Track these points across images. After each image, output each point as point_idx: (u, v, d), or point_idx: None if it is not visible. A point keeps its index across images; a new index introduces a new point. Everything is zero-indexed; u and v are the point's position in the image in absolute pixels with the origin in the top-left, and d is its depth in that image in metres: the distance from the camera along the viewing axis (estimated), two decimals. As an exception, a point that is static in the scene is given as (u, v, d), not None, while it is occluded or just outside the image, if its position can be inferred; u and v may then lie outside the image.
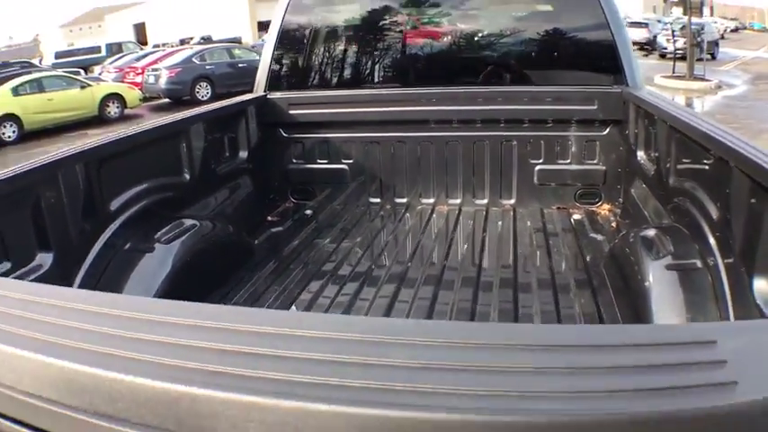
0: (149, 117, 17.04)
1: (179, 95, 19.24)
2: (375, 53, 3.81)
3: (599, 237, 3.00)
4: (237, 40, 34.43)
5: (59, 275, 2.17)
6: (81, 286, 2.15)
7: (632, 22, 28.30)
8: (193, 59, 20.18)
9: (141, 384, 0.94)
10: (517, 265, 2.74)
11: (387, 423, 0.84)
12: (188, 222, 2.63)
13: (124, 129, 3.01)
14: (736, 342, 0.94)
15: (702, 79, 17.34)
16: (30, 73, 19.27)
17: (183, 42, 37.49)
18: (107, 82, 20.19)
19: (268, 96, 3.87)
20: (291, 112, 3.82)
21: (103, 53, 33.61)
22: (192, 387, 0.91)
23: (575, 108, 3.16)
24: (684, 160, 2.37)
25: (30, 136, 15.55)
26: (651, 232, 2.18)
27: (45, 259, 2.18)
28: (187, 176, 3.11)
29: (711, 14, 49.12)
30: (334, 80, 3.98)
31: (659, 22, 32.33)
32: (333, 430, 0.86)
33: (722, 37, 35.05)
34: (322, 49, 3.92)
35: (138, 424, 0.95)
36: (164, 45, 35.11)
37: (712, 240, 1.90)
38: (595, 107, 3.08)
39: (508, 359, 0.93)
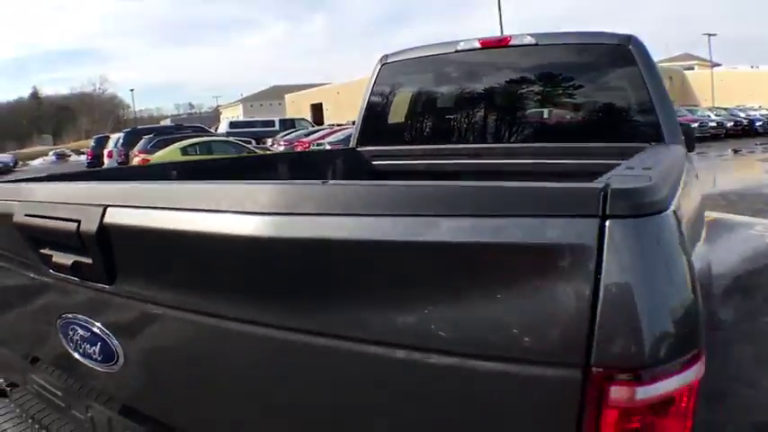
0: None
1: (335, 167, 20.79)
2: (449, 115, 4.32)
3: None
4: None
5: None
6: None
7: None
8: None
9: None
10: None
11: None
12: None
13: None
14: None
15: None
16: (200, 136, 21.83)
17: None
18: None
19: (357, 149, 4.53)
20: (375, 162, 4.42)
21: (277, 127, 37.21)
22: None
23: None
24: None
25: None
26: None
27: None
28: None
29: None
30: (415, 136, 4.54)
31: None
32: None
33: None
34: (404, 111, 4.52)
35: None
36: (339, 125, 37.91)
37: None
38: None
39: None
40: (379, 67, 4.14)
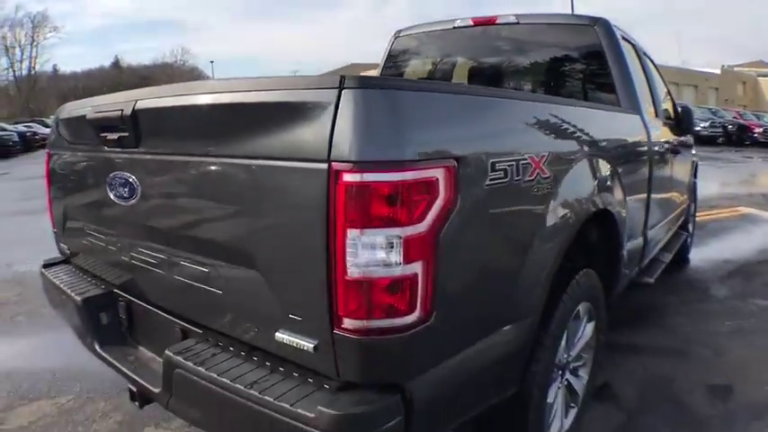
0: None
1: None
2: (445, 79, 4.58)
3: None
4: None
5: None
6: None
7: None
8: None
9: None
10: None
11: None
12: None
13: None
14: None
15: None
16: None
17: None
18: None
19: None
20: None
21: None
22: None
23: None
24: None
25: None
26: None
27: None
28: None
29: None
30: None
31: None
32: None
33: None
34: (412, 75, 4.82)
35: None
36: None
37: None
38: None
39: None
40: (393, 39, 4.36)
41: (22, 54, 56.97)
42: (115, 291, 2.14)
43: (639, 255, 3.10)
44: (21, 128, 26.84)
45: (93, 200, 2.15)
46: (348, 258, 1.26)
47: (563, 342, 2.04)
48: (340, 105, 1.28)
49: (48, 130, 25.59)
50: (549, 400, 2.06)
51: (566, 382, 2.24)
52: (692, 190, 5.40)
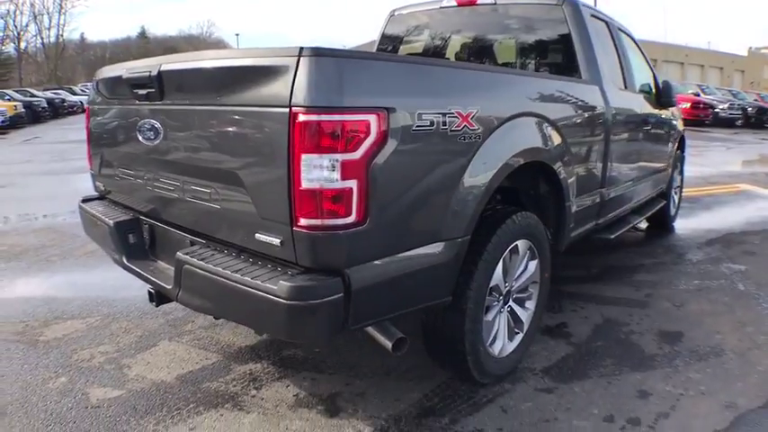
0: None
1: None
2: (434, 53, 4.61)
3: None
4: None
5: None
6: None
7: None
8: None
9: None
10: None
11: None
12: None
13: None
14: None
15: None
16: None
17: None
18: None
19: None
20: None
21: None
22: None
23: None
24: None
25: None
26: None
27: None
28: None
29: None
30: None
31: None
32: None
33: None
34: (404, 51, 5.09)
35: None
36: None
37: None
38: None
39: None
40: (389, 18, 4.73)
41: (50, 21, 57.96)
42: (140, 217, 2.61)
43: (596, 211, 3.46)
44: (49, 94, 27.63)
45: (124, 142, 2.63)
46: (302, 175, 1.71)
47: (498, 269, 2.44)
48: (298, 68, 1.72)
49: (76, 98, 26.10)
50: (489, 318, 2.48)
51: (509, 308, 2.65)
52: (676, 162, 5.67)
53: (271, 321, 1.85)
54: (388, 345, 2.06)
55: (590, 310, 3.58)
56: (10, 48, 50.68)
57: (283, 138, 1.73)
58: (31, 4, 56.44)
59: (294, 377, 2.70)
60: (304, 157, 1.69)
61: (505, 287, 2.58)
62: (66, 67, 60.24)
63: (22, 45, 52.81)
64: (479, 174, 2.19)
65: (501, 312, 2.61)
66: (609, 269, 4.46)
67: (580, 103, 3.16)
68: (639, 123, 4.09)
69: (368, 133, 1.76)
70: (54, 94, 28.74)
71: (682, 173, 6.09)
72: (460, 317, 2.29)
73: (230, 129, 1.99)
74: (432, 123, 1.96)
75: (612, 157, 3.50)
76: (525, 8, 3.76)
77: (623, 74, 3.95)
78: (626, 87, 3.95)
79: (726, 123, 22.13)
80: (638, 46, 4.69)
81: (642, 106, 4.20)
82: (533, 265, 2.74)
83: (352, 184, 1.72)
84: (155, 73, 2.23)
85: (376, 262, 1.88)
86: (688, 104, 21.66)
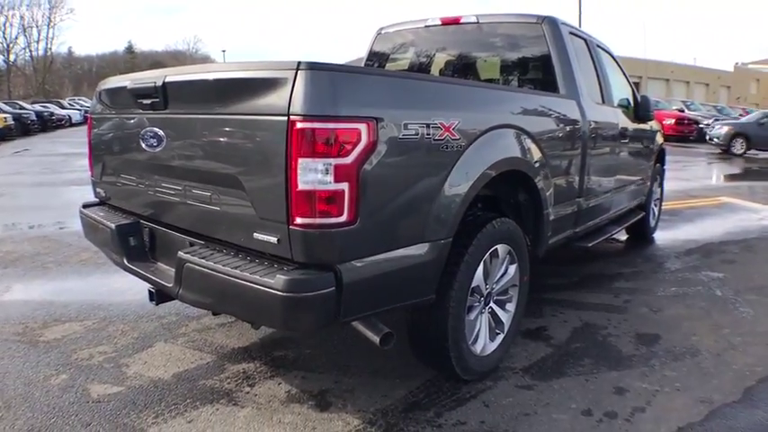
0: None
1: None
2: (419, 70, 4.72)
3: None
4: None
5: None
6: None
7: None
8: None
9: None
10: None
11: None
12: None
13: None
14: None
15: None
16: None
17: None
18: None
19: None
20: None
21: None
22: None
23: None
24: None
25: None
26: None
27: None
28: None
29: None
30: None
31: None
32: None
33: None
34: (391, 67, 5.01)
35: None
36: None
37: None
38: None
39: None
40: (376, 36, 4.87)
41: (39, 35, 57.89)
42: (141, 221, 2.73)
43: (573, 219, 3.62)
44: (38, 107, 27.58)
45: (126, 150, 2.76)
46: (299, 177, 1.86)
47: (479, 271, 2.58)
48: (296, 80, 1.88)
49: (64, 112, 26.02)
50: (471, 317, 2.62)
51: (490, 309, 2.79)
52: (656, 174, 5.86)
53: (268, 313, 1.98)
54: (376, 339, 2.20)
55: (569, 315, 3.72)
56: (-1, 60, 50.77)
57: (281, 143, 1.87)
58: (21, 17, 56.43)
59: (285, 375, 2.82)
60: (300, 161, 1.84)
61: (486, 288, 2.72)
62: (53, 80, 60.14)
63: (11, 57, 52.91)
64: (461, 179, 2.34)
65: (482, 313, 2.75)
66: (589, 277, 4.61)
67: (558, 116, 3.32)
68: (617, 136, 4.26)
69: (359, 140, 1.92)
70: (42, 107, 28.63)
71: (662, 185, 6.28)
72: (444, 315, 2.43)
73: (231, 135, 2.13)
74: (417, 133, 2.13)
75: (589, 168, 3.67)
76: (507, 26, 3.94)
77: (601, 89, 4.13)
78: (603, 102, 4.13)
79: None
80: (617, 62, 4.89)
81: (619, 120, 4.37)
82: (513, 268, 2.89)
83: (344, 186, 1.88)
84: (160, 83, 2.36)
85: (366, 259, 2.03)
86: (672, 120, 22.06)
